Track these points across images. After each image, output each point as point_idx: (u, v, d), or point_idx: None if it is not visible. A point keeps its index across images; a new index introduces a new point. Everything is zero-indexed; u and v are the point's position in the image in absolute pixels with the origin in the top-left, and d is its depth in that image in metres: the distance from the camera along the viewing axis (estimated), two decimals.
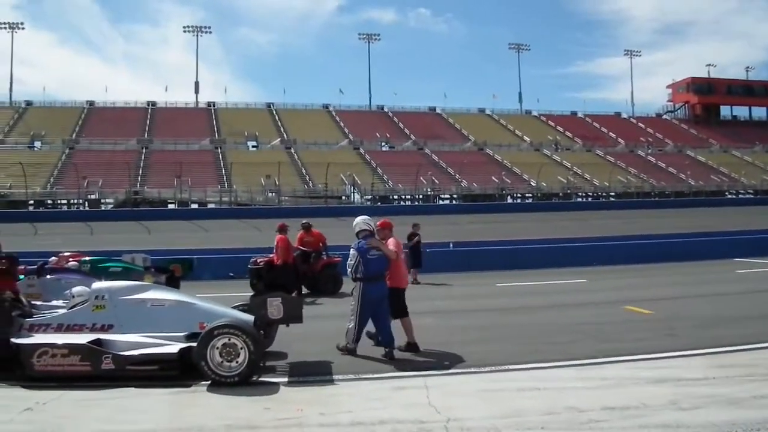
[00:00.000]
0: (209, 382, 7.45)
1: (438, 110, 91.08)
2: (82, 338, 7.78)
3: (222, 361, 7.46)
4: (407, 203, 62.51)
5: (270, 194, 60.06)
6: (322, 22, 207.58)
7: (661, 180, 72.30)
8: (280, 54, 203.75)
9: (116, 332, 7.92)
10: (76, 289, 8.71)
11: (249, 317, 8.32)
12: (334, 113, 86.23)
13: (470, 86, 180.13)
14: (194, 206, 57.82)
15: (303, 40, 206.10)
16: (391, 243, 9.56)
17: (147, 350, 7.71)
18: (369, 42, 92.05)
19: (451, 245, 22.14)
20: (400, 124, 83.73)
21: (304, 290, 16.01)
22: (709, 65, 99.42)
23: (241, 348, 7.48)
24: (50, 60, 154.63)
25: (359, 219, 9.56)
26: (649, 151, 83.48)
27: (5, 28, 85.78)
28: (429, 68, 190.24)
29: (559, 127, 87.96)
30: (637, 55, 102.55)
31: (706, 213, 46.63)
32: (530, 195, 67.50)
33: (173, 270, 13.55)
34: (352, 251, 9.36)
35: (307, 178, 64.63)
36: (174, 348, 7.74)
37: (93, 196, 58.59)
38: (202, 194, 59.08)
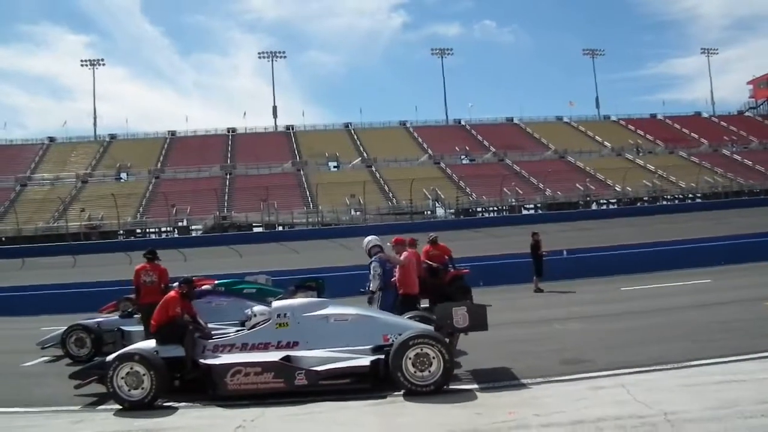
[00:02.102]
0: (402, 392, 7.68)
1: (515, 120, 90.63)
2: (270, 356, 8.09)
3: (415, 371, 7.66)
4: (492, 215, 62.50)
5: (355, 213, 60.90)
6: (388, 40, 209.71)
7: (749, 178, 70.23)
8: (350, 74, 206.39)
9: (302, 348, 8.20)
10: (257, 309, 9.03)
11: (428, 327, 8.59)
12: (411, 129, 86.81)
13: (545, 94, 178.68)
14: (280, 228, 58.81)
15: (371, 59, 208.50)
16: (403, 256, 10.62)
17: (337, 364, 7.94)
18: (442, 57, 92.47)
19: (564, 253, 22.39)
20: (479, 137, 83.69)
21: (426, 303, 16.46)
22: None
23: (434, 357, 7.67)
24: (126, 93, 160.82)
25: (371, 237, 10.79)
26: (734, 149, 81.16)
27: (87, 65, 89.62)
28: (502, 79, 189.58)
29: (639, 131, 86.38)
30: (714, 53, 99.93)
31: None
32: (615, 201, 66.55)
33: (314, 287, 14.28)
34: (375, 264, 10.32)
35: (391, 195, 65.29)
36: (365, 361, 7.97)
37: (182, 223, 60.39)
38: (288, 216, 60.08)
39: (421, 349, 7.70)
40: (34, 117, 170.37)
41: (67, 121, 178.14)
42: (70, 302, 21.38)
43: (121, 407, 7.78)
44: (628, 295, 16.73)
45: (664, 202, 65.12)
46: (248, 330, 8.65)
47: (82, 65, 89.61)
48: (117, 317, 12.60)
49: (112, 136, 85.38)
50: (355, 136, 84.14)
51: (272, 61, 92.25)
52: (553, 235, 32.10)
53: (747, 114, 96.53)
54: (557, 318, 12.85)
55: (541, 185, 65.57)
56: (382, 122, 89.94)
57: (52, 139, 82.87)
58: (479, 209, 64.55)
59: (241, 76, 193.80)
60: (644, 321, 12.30)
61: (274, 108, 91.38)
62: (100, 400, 8.39)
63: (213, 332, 9.01)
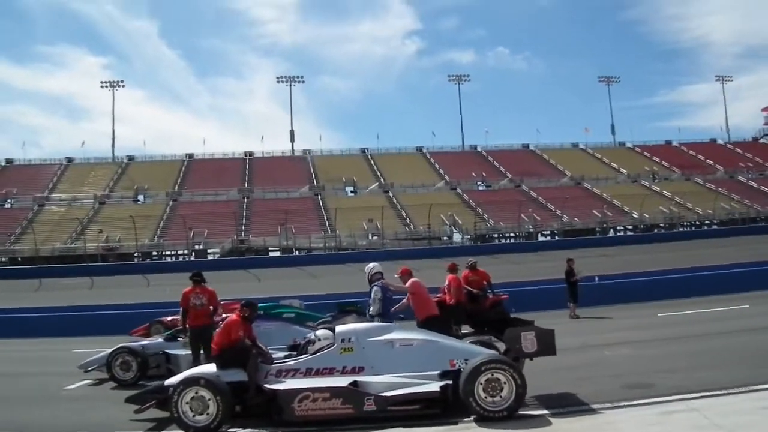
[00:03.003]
0: (472, 418, 7.60)
1: (531, 147, 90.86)
2: (337, 381, 7.95)
3: (485, 396, 7.57)
4: (509, 241, 62.27)
5: (373, 237, 60.81)
6: (403, 66, 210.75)
7: (765, 204, 69.70)
8: (365, 100, 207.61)
9: (368, 374, 8.08)
10: (320, 333, 8.89)
11: (493, 351, 8.61)
12: (428, 155, 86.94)
13: (560, 121, 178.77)
14: (297, 252, 58.76)
15: (386, 85, 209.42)
16: (409, 284, 10.82)
17: (406, 390, 7.80)
18: (459, 83, 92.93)
19: (596, 279, 22.22)
20: (495, 163, 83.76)
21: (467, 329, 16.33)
22: None
23: (505, 382, 7.59)
24: (143, 116, 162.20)
25: (373, 264, 11.03)
26: (750, 175, 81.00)
27: (107, 86, 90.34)
28: (517, 105, 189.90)
29: (655, 158, 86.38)
30: (729, 81, 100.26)
31: None
32: (632, 227, 66.34)
33: (355, 311, 14.19)
34: (376, 289, 10.40)
35: (408, 220, 65.29)
36: (434, 386, 7.83)
37: (199, 246, 60.13)
38: (306, 241, 60.04)
39: (492, 374, 7.64)
40: (50, 137, 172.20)
41: (84, 141, 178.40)
42: (93, 324, 21.43)
43: None
44: (667, 321, 16.63)
45: (681, 229, 64.68)
46: (312, 355, 8.52)
47: (102, 86, 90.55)
48: (161, 340, 12.49)
49: (130, 158, 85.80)
50: (372, 161, 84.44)
51: (290, 85, 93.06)
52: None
53: (762, 141, 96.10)
54: (602, 344, 12.75)
55: (558, 212, 65.44)
56: (398, 148, 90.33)
57: (70, 160, 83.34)
58: (496, 235, 64.36)
59: (256, 100, 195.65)
60: (694, 346, 12.18)
61: (291, 132, 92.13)
62: (160, 425, 8.28)
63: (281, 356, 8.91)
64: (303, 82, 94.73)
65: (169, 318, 17.89)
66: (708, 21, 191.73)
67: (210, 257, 58.78)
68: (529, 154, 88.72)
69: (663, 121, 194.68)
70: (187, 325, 11.24)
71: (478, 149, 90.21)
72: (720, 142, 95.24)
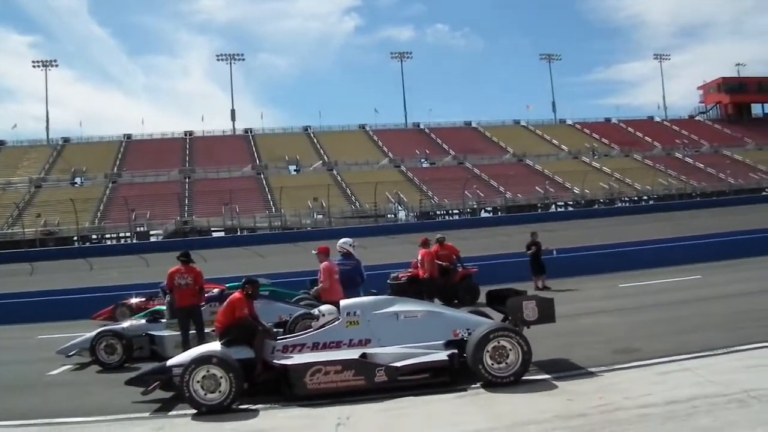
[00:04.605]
0: (479, 384, 7.86)
1: (474, 124, 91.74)
2: (346, 354, 8.10)
3: (492, 363, 7.85)
4: (454, 218, 62.98)
5: (318, 216, 60.75)
6: (342, 43, 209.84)
7: (701, 180, 72.25)
8: (305, 77, 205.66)
9: (375, 346, 8.25)
10: (324, 308, 8.98)
11: (492, 321, 8.88)
12: (371, 133, 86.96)
13: (501, 98, 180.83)
14: (242, 232, 58.33)
15: (326, 62, 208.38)
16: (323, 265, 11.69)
17: (416, 360, 8.02)
18: (401, 60, 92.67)
19: (554, 252, 22.73)
20: (438, 140, 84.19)
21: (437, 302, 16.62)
22: (739, 65, 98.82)
23: (510, 349, 7.89)
24: (75, 96, 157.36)
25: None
26: (686, 152, 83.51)
27: (39, 66, 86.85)
28: (458, 82, 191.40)
29: (594, 134, 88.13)
30: (666, 59, 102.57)
31: (753, 210, 46.36)
32: (573, 203, 67.83)
33: None
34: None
35: (353, 198, 65.39)
36: (442, 355, 8.10)
37: (142, 228, 59.23)
38: (250, 220, 59.53)
39: (499, 342, 7.92)
40: None
41: (16, 124, 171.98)
42: (50, 309, 20.90)
43: (196, 412, 7.62)
44: (629, 291, 17.10)
45: (620, 204, 66.49)
46: (317, 329, 8.62)
47: (34, 66, 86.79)
48: (144, 322, 12.37)
49: (66, 140, 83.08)
50: (315, 139, 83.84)
51: (230, 63, 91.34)
52: (516, 237, 32.69)
53: (697, 118, 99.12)
54: (579, 313, 13.19)
55: (501, 188, 66.32)
56: (341, 125, 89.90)
57: (2, 143, 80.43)
58: (440, 212, 65.02)
59: (192, 79, 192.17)
60: (666, 313, 12.68)
61: (232, 111, 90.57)
62: (165, 405, 8.22)
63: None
64: (243, 59, 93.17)
65: (133, 300, 17.74)
66: (643, 0, 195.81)
67: (153, 239, 57.92)
68: (471, 131, 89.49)
69: (601, 98, 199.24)
70: (175, 306, 11.20)
71: (421, 126, 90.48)
72: (657, 119, 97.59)
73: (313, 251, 12.22)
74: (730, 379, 7.15)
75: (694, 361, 8.28)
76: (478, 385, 7.91)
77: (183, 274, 11.22)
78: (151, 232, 59.80)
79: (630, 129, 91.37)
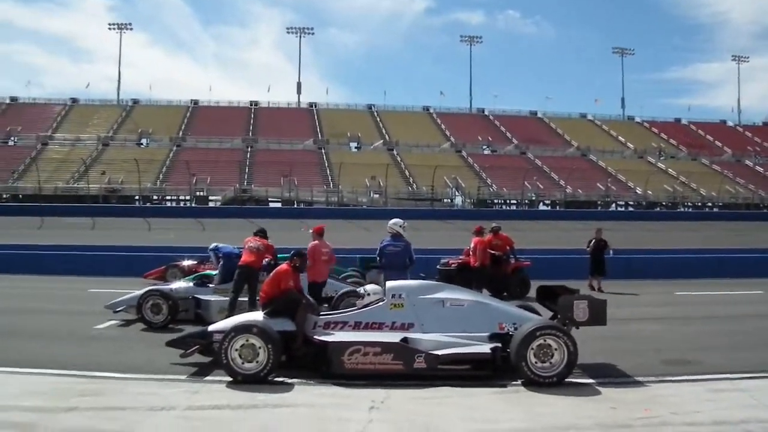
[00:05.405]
0: (520, 381, 7.60)
1: (539, 114, 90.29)
2: (387, 336, 7.91)
3: (536, 362, 7.57)
4: (511, 208, 62.21)
5: (374, 195, 60.85)
6: (411, 23, 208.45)
7: None
8: (372, 54, 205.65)
9: (417, 331, 8.03)
10: (369, 287, 8.96)
11: (540, 317, 8.56)
12: (435, 115, 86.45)
13: (569, 90, 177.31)
14: (299, 205, 58.73)
15: (394, 42, 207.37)
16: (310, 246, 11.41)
17: (458, 349, 7.78)
18: (471, 44, 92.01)
19: (611, 252, 22.16)
20: (502, 128, 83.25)
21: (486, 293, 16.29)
22: None
23: (556, 349, 7.60)
24: (146, 60, 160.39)
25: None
26: (757, 160, 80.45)
27: (114, 29, 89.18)
28: (526, 71, 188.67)
29: (663, 134, 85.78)
30: (745, 61, 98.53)
31: None
32: (634, 203, 66.22)
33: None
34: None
35: (411, 180, 65.15)
36: (485, 348, 7.83)
37: (201, 193, 60.36)
38: (308, 193, 60.06)
39: (545, 340, 7.64)
40: (52, 77, 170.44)
41: (89, 83, 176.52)
42: (102, 264, 21.36)
43: (232, 380, 7.58)
44: (686, 300, 16.62)
45: (683, 209, 64.66)
46: (361, 308, 8.50)
47: (110, 28, 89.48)
48: (192, 285, 12.47)
49: (135, 101, 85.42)
50: (378, 118, 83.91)
51: (300, 36, 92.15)
52: (573, 234, 32.19)
53: None
54: (629, 318, 12.77)
55: (561, 182, 65.12)
56: (405, 106, 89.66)
57: (74, 101, 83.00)
58: (498, 201, 64.32)
59: (261, 50, 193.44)
60: (724, 326, 12.25)
61: (299, 84, 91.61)
62: (202, 370, 8.21)
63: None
64: (313, 33, 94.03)
65: (185, 263, 17.90)
66: None
67: (211, 204, 58.82)
68: (536, 122, 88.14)
69: (673, 97, 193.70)
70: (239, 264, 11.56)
71: (486, 113, 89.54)
72: (730, 123, 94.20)
73: (310, 231, 12.29)
74: None
75: (750, 381, 7.87)
76: (518, 382, 7.67)
77: (258, 242, 11.77)
78: (210, 198, 60.71)
79: (700, 131, 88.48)
